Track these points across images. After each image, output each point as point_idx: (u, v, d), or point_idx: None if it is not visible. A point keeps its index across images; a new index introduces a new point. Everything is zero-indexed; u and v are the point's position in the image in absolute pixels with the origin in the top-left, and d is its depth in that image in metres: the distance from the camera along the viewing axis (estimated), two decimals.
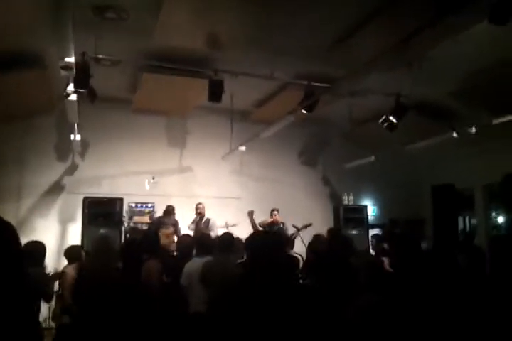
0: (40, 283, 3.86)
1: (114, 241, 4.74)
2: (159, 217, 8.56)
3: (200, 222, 8.49)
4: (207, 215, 8.58)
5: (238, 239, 5.80)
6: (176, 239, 6.34)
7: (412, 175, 10.35)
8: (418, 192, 10.42)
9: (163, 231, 6.04)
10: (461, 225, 9.92)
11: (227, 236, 5.17)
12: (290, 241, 7.75)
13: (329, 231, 7.02)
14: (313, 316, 1.91)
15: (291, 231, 8.34)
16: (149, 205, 9.18)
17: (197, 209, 8.61)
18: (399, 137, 7.93)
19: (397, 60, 4.69)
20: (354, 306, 2.04)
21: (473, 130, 6.76)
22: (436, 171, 9.88)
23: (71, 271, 4.82)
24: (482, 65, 6.14)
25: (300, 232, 8.16)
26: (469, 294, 3.04)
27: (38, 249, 4.42)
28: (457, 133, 7.08)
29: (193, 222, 8.53)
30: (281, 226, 8.50)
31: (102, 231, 8.02)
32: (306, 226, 8.18)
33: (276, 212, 8.67)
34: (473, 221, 9.91)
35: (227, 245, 4.84)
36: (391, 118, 7.03)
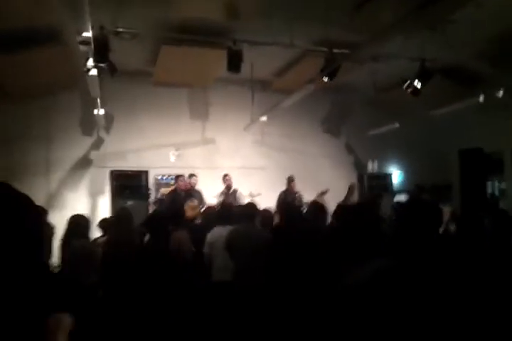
0: (88, 254, 4.04)
1: (133, 213, 4.83)
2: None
3: (228, 193, 8.57)
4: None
5: (262, 209, 5.89)
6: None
7: (439, 141, 10.14)
8: (445, 157, 10.24)
9: (189, 205, 6.14)
10: (489, 190, 9.75)
11: (251, 206, 5.24)
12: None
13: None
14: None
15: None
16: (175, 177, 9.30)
17: (225, 180, 8.67)
18: (424, 103, 7.75)
19: (419, 23, 4.52)
20: (366, 270, 2.05)
21: (501, 93, 6.54)
22: (463, 136, 9.64)
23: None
24: (506, 26, 5.88)
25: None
26: (494, 258, 3.04)
27: (82, 222, 4.55)
28: (484, 96, 6.87)
29: (221, 194, 8.58)
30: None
31: (129, 203, 8.24)
32: (322, 193, 8.13)
33: (293, 182, 8.63)
34: (503, 185, 9.73)
35: (250, 214, 4.92)
36: (415, 83, 6.86)
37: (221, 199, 8.43)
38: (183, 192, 8.25)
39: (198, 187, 8.65)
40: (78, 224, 4.45)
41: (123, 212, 5.05)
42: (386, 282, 1.89)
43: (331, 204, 7.89)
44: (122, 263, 3.61)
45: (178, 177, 8.54)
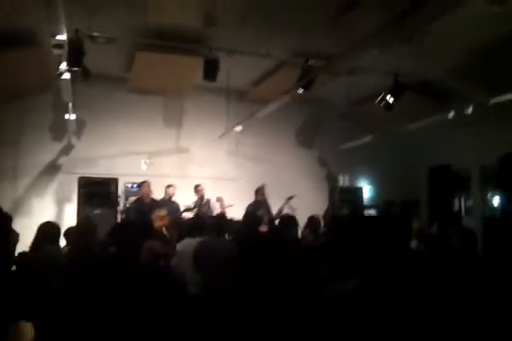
0: (56, 260, 3.94)
1: (101, 222, 4.73)
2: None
3: (201, 203, 8.34)
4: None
5: (232, 220, 5.83)
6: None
7: (409, 156, 10.32)
8: (415, 173, 10.42)
9: (157, 214, 6.00)
10: (456, 206, 9.95)
11: (222, 217, 5.19)
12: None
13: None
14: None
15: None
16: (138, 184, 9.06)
17: (197, 191, 8.48)
18: (396, 117, 7.88)
19: (396, 35, 4.61)
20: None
21: (470, 110, 6.71)
22: (433, 152, 9.85)
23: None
24: (481, 43, 6.06)
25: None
26: (462, 275, 3.06)
27: (53, 229, 4.52)
28: (455, 113, 7.03)
29: (194, 206, 8.31)
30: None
31: (96, 211, 8.04)
32: (289, 199, 8.15)
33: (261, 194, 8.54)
34: (469, 203, 9.94)
35: (221, 226, 4.87)
36: (388, 97, 6.97)
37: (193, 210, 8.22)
38: (152, 202, 7.99)
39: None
40: (49, 231, 4.42)
41: (85, 222, 4.93)
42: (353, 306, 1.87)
43: (300, 213, 8.00)
44: (82, 275, 3.48)
45: (141, 183, 8.18)
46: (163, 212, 6.11)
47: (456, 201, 9.99)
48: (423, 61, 6.53)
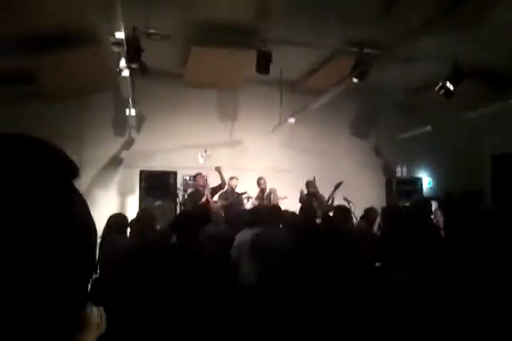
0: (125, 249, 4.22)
1: (161, 213, 4.96)
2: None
3: (263, 196, 8.42)
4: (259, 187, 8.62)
5: (287, 211, 5.87)
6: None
7: (471, 146, 9.90)
8: (477, 163, 9.99)
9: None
10: None
11: (276, 208, 5.24)
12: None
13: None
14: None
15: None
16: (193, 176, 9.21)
17: (259, 184, 8.56)
18: (456, 105, 7.60)
19: (451, 23, 4.45)
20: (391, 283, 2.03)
21: None
22: (496, 141, 9.40)
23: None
24: None
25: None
26: None
27: (121, 220, 4.89)
28: None
29: (256, 198, 8.42)
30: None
31: (157, 203, 8.33)
32: (338, 185, 7.93)
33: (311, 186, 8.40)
34: None
35: (275, 217, 4.93)
36: (448, 84, 6.74)
37: (256, 203, 8.29)
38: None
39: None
40: (117, 221, 4.78)
41: (143, 214, 5.14)
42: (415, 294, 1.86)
43: (356, 205, 7.85)
44: (143, 265, 3.64)
45: (196, 175, 8.35)
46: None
47: None
48: (482, 48, 6.23)
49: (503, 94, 7.36)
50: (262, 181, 8.56)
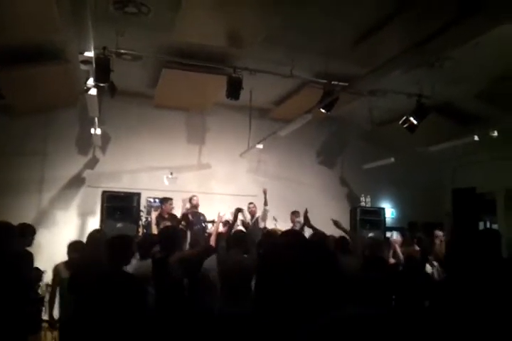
0: None
1: (105, 235, 4.73)
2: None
3: (252, 221, 8.54)
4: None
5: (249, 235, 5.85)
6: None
7: (433, 178, 10.17)
8: (438, 196, 10.24)
9: None
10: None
11: (241, 232, 5.23)
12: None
13: None
14: None
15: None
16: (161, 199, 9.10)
17: (249, 208, 8.64)
18: (420, 139, 7.80)
19: (418, 59, 4.60)
20: None
21: (495, 133, 6.61)
22: (457, 174, 9.70)
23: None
24: (506, 68, 5.99)
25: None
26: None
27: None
28: (479, 136, 6.93)
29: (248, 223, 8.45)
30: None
31: (119, 225, 8.10)
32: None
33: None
34: (495, 226, 9.69)
35: (242, 240, 4.92)
36: (412, 119, 6.93)
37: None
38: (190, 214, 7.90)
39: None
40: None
41: (93, 235, 4.87)
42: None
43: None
44: (87, 285, 3.49)
45: (165, 200, 8.14)
46: None
47: (481, 224, 9.76)
48: (446, 84, 6.47)
49: (465, 129, 7.62)
50: (251, 205, 8.73)
